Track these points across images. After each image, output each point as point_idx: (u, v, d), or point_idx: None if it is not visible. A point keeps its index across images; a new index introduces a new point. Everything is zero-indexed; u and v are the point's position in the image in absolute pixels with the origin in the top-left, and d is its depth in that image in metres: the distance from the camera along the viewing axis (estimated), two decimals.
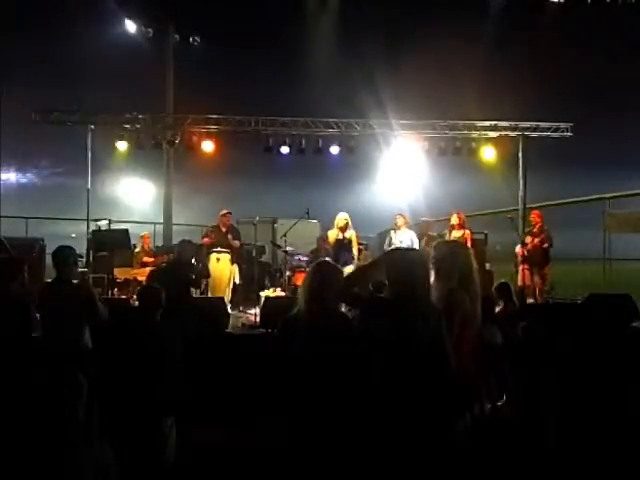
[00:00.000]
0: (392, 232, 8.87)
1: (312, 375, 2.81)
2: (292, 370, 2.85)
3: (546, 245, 8.72)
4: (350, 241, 8.27)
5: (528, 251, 8.63)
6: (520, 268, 8.68)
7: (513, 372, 5.35)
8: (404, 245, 8.45)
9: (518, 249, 8.83)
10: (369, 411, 2.66)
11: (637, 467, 3.97)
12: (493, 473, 3.86)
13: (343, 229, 8.23)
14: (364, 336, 2.75)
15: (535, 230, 8.85)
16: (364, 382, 2.72)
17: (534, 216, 9.15)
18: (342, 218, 8.30)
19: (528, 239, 8.77)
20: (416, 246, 8.50)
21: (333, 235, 8.30)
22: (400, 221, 8.79)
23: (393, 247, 8.47)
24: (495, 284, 6.21)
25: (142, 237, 10.22)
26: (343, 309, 3.28)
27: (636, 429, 4.32)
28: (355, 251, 8.34)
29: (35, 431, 3.85)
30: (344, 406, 2.77)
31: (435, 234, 9.62)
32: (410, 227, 8.94)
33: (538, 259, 8.68)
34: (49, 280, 4.78)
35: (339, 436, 2.75)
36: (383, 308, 2.70)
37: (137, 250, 9.91)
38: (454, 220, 8.93)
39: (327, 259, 4.23)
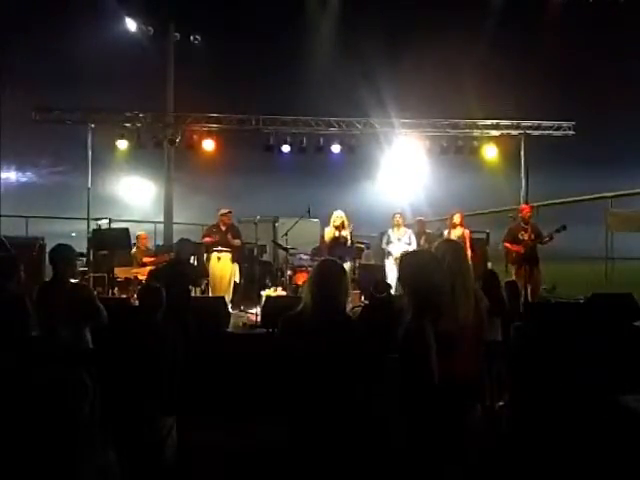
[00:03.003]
0: (390, 230, 9.02)
1: (314, 374, 2.77)
2: (293, 369, 2.81)
3: (544, 239, 8.10)
4: (346, 239, 8.33)
5: (530, 249, 8.12)
6: (521, 268, 8.06)
7: (509, 372, 5.31)
8: (403, 243, 8.72)
9: (512, 247, 8.27)
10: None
11: (634, 466, 3.94)
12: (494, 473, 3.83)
13: (339, 227, 8.26)
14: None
15: (528, 226, 8.29)
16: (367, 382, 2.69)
17: (527, 210, 8.54)
18: (338, 216, 8.35)
19: (524, 235, 8.22)
20: (414, 244, 8.73)
21: (329, 233, 8.34)
22: (399, 220, 8.97)
23: (392, 245, 8.81)
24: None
25: (138, 237, 9.93)
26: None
27: (635, 428, 4.30)
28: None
29: (36, 433, 3.82)
30: (345, 406, 2.73)
31: (433, 232, 9.66)
32: (407, 226, 9.14)
33: (535, 255, 8.22)
34: (47, 279, 4.74)
35: (340, 436, 2.72)
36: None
37: (134, 251, 9.77)
38: (456, 219, 8.90)
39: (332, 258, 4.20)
